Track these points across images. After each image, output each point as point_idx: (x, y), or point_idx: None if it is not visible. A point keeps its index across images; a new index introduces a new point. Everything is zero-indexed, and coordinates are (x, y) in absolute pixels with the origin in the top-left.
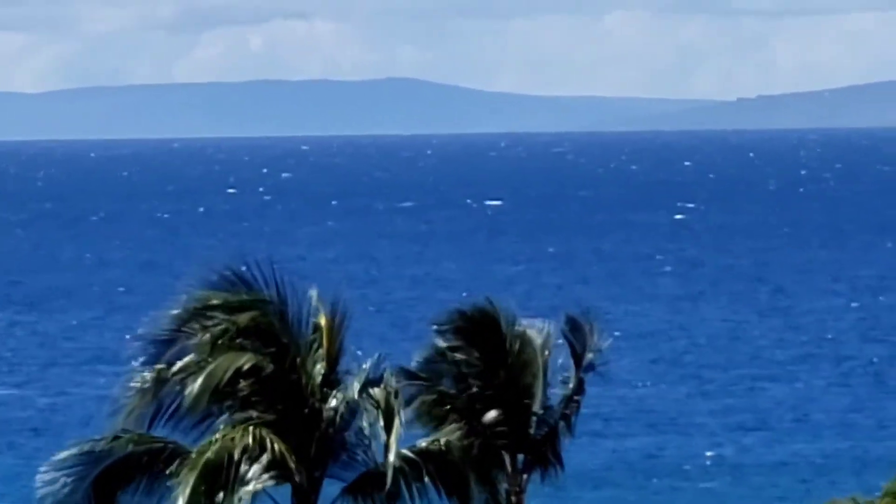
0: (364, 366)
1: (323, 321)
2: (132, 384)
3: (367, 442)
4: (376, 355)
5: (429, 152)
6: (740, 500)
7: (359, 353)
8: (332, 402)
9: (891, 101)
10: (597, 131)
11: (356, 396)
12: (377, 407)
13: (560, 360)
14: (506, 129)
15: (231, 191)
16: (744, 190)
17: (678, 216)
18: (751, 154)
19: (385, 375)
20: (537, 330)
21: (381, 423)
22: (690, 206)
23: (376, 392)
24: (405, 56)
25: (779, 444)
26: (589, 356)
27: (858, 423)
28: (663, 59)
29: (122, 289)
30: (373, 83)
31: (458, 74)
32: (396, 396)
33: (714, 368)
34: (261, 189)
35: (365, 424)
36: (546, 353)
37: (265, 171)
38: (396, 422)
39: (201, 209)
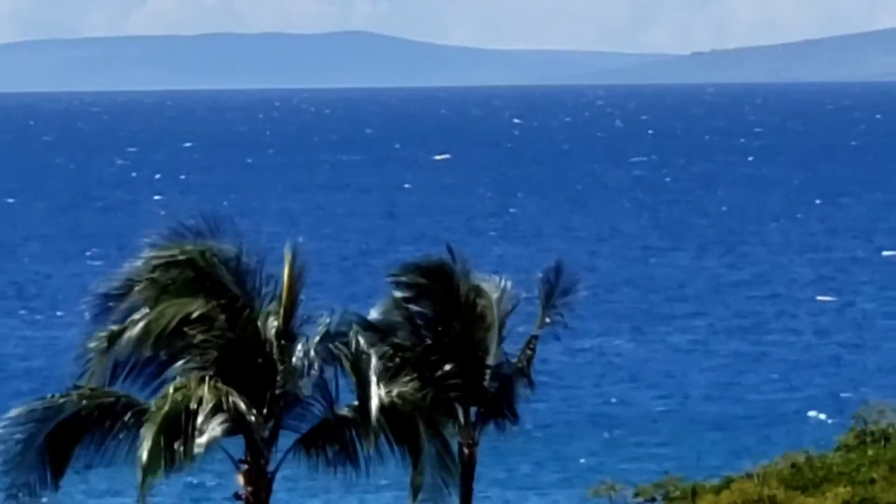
0: (326, 318)
1: (285, 273)
2: (89, 344)
3: (325, 393)
4: (339, 308)
5: (374, 107)
6: (696, 454)
7: (316, 306)
8: (289, 354)
9: (843, 56)
10: (549, 85)
11: (317, 348)
12: (341, 360)
13: (518, 315)
14: (459, 82)
15: (187, 145)
16: (681, 144)
17: (636, 172)
18: (696, 109)
19: (350, 329)
20: (494, 284)
21: (353, 377)
22: (636, 160)
23: (340, 345)
24: (360, 9)
25: (734, 398)
26: (555, 307)
27: (813, 376)
28: (617, 13)
29: (71, 241)
30: (327, 36)
31: (412, 28)
32: (369, 354)
33: (672, 320)
34: (188, 145)
35: (325, 375)
36: (502, 306)
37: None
38: (372, 376)
39: (159, 161)
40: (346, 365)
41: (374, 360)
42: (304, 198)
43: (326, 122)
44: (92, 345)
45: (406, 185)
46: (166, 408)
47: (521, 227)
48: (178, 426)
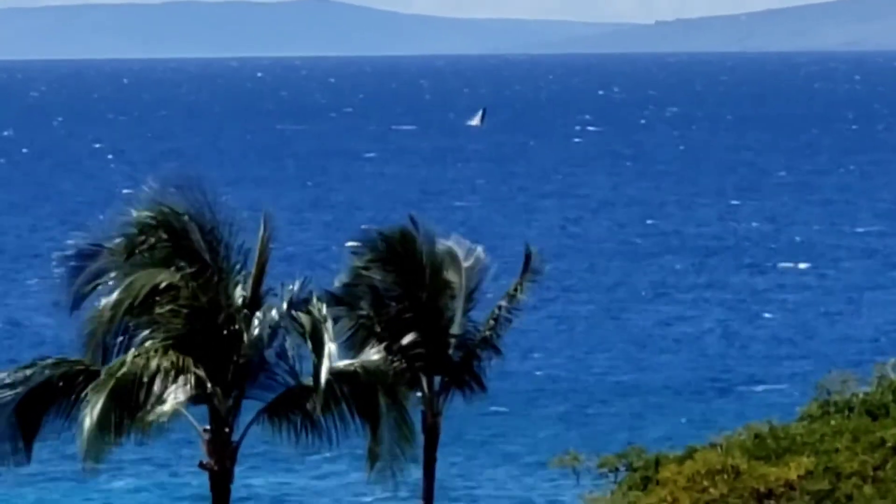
0: (290, 287)
1: (258, 241)
2: (79, 327)
3: (289, 363)
4: (302, 278)
5: (332, 80)
6: (659, 425)
7: (282, 274)
8: (254, 323)
9: (806, 25)
10: (512, 53)
11: (281, 317)
12: (303, 329)
13: (490, 283)
14: (422, 51)
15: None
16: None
17: (576, 139)
18: (647, 76)
19: (312, 297)
20: (467, 252)
21: (309, 344)
22: (591, 129)
23: (301, 314)
24: None
25: (697, 370)
26: (525, 280)
27: (777, 347)
28: None
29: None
30: (290, 5)
31: None
32: (325, 319)
33: (635, 293)
34: (164, 112)
35: (289, 345)
36: (473, 275)
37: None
38: (326, 341)
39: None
40: (307, 333)
41: (329, 325)
42: (247, 165)
43: (270, 89)
44: (82, 327)
45: (369, 154)
46: (119, 374)
47: (488, 200)
48: (131, 394)
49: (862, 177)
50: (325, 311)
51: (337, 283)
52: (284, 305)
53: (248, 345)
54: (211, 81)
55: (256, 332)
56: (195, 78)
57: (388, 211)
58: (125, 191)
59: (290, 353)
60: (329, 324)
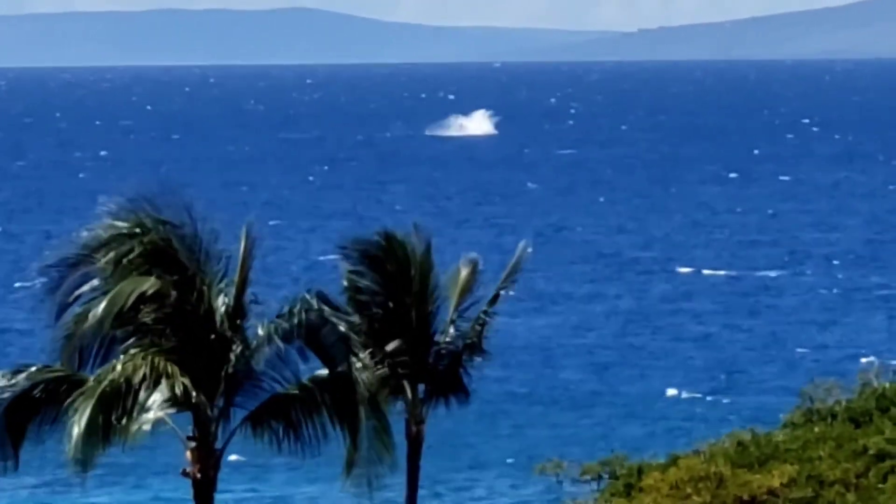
0: (282, 294)
1: (241, 249)
2: (57, 331)
3: (276, 370)
4: (294, 284)
5: (309, 81)
6: (642, 432)
7: (269, 282)
8: (241, 330)
9: (790, 32)
10: (494, 62)
11: (273, 323)
12: (299, 333)
13: (479, 291)
14: (405, 59)
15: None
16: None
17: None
18: (627, 84)
19: (306, 301)
20: (464, 260)
21: (312, 350)
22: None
23: (295, 319)
24: None
25: (681, 377)
26: (507, 283)
27: (759, 355)
28: None
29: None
30: (273, 13)
31: (359, 4)
32: (322, 321)
33: (620, 301)
34: (125, 121)
35: (280, 352)
36: (465, 284)
37: (139, 102)
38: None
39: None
40: (301, 339)
41: (331, 333)
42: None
43: (259, 97)
44: (60, 330)
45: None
46: (105, 382)
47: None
48: (117, 401)
49: (837, 185)
50: (322, 316)
51: (327, 288)
52: (276, 312)
53: (236, 352)
54: (195, 88)
55: (244, 338)
56: (182, 85)
57: (368, 218)
58: (108, 199)
59: (278, 360)
60: (341, 327)
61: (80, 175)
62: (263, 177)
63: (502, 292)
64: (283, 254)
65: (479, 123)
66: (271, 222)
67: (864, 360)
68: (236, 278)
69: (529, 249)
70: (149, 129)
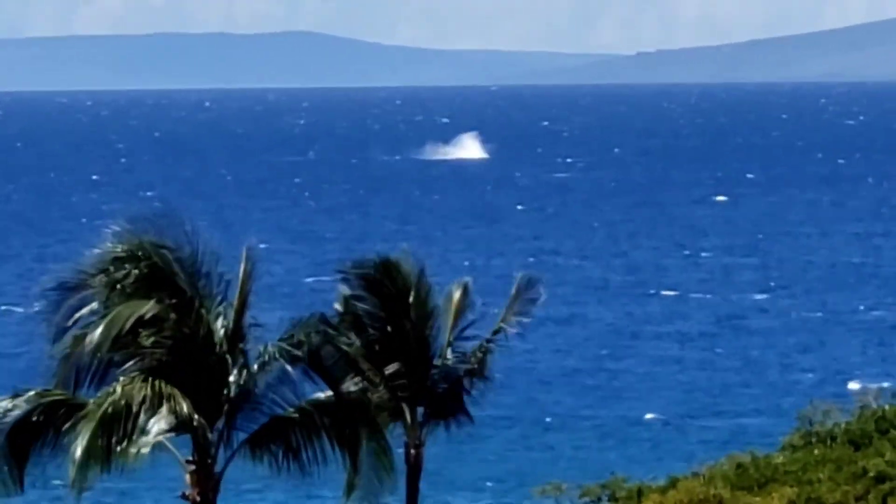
0: (283, 317)
1: (241, 272)
2: (55, 351)
3: (276, 393)
4: (295, 307)
5: (305, 104)
6: (641, 454)
7: (269, 307)
8: (241, 353)
9: (788, 56)
10: (492, 85)
11: (274, 346)
12: (301, 356)
13: (476, 315)
14: (404, 82)
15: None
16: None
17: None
18: (622, 107)
19: (307, 324)
20: (457, 284)
21: (315, 373)
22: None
23: (297, 342)
24: (306, 9)
25: (680, 399)
26: (514, 309)
27: (759, 377)
28: (563, 13)
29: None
30: (273, 36)
31: (358, 28)
32: (324, 344)
33: (615, 323)
34: (119, 145)
35: (280, 375)
36: (460, 307)
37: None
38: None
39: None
40: (304, 361)
41: (333, 355)
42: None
43: (247, 121)
44: (56, 351)
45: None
46: (105, 405)
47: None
48: (118, 424)
49: (823, 206)
50: (323, 340)
51: (327, 311)
52: (280, 335)
53: (234, 376)
54: (190, 112)
55: (245, 361)
56: (178, 109)
57: (363, 243)
58: (107, 222)
59: (279, 383)
60: (340, 350)
61: (72, 198)
62: (255, 200)
63: (505, 326)
64: (275, 277)
65: (470, 147)
66: (262, 245)
67: (852, 383)
68: (235, 301)
69: (528, 279)
70: (140, 152)
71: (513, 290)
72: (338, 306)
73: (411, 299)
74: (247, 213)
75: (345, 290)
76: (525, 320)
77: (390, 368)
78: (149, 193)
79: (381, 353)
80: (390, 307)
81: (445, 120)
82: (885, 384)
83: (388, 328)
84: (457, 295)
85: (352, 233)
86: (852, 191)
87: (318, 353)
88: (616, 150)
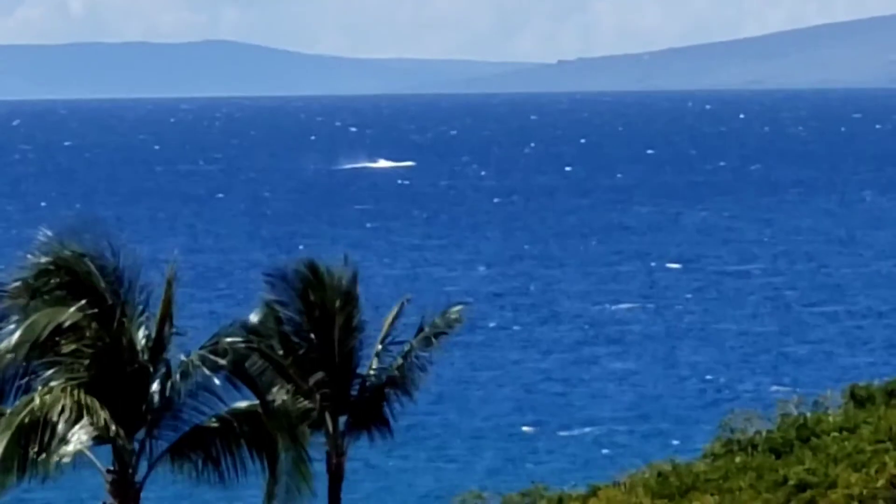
0: (205, 326)
1: (165, 282)
2: None
3: (196, 402)
4: (218, 316)
5: (217, 114)
6: (561, 463)
7: (191, 314)
8: (163, 362)
9: (706, 64)
10: (412, 93)
11: (196, 355)
12: (223, 365)
13: (402, 328)
14: (325, 91)
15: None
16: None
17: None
18: (533, 116)
19: (229, 333)
20: (400, 300)
21: (239, 381)
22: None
23: (220, 350)
24: (226, 18)
25: (599, 410)
26: (431, 327)
27: (679, 386)
28: (484, 22)
29: None
30: (193, 45)
31: (279, 37)
32: (246, 353)
33: (541, 331)
34: (22, 153)
35: (200, 384)
36: (390, 318)
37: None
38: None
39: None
40: (227, 369)
41: (256, 363)
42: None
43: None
44: None
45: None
46: (23, 414)
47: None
48: (35, 434)
49: (732, 219)
50: (244, 349)
51: (251, 318)
52: (202, 345)
53: (155, 385)
54: (116, 121)
55: (163, 372)
56: (92, 118)
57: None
58: (25, 232)
59: (200, 392)
60: (256, 362)
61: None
62: (169, 210)
63: (414, 345)
64: (196, 287)
65: (382, 157)
66: (183, 256)
67: (794, 393)
68: (158, 310)
69: (458, 310)
70: (39, 162)
71: (393, 311)
72: (259, 313)
73: (336, 308)
74: (171, 222)
75: (269, 296)
76: (435, 343)
77: (314, 378)
78: (75, 203)
79: (305, 361)
80: (315, 315)
81: (363, 129)
82: (814, 391)
83: (312, 337)
84: (394, 309)
85: (271, 238)
86: (781, 201)
87: (241, 362)
88: (526, 149)
